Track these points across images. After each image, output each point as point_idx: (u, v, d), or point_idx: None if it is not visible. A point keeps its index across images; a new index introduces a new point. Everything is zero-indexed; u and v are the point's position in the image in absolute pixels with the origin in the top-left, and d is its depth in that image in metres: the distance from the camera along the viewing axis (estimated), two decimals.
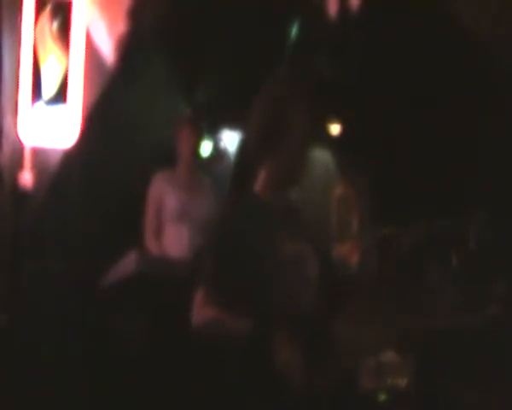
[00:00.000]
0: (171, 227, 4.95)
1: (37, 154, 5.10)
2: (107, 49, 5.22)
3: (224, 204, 3.59)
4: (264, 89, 2.86)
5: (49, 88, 5.07)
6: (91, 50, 5.22)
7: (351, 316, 2.89)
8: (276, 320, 2.61)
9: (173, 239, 4.93)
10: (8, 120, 4.98)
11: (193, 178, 5.09)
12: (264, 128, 2.80)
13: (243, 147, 5.20)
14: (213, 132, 5.92)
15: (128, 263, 4.43)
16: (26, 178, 5.04)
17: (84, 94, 5.18)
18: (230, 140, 6.01)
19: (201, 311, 2.70)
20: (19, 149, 5.04)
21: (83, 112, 5.19)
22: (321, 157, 6.26)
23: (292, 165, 2.81)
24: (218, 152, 5.82)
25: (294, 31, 4.88)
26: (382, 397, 3.87)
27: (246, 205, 2.84)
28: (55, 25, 5.07)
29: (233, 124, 5.84)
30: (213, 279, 2.72)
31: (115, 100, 5.24)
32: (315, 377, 2.62)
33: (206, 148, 5.67)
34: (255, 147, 2.85)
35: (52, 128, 5.12)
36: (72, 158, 5.07)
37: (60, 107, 5.11)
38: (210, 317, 2.68)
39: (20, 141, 5.05)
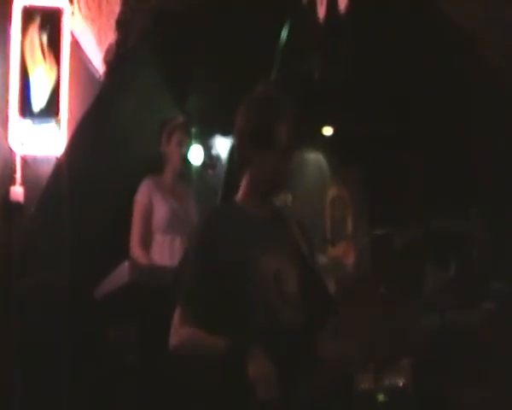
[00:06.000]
0: (162, 237, 4.89)
1: (29, 166, 5.06)
2: (97, 60, 5.21)
3: (201, 216, 3.52)
4: (248, 97, 2.83)
5: (39, 100, 5.04)
6: (81, 62, 5.20)
7: (336, 328, 2.82)
8: (252, 336, 2.55)
9: (164, 249, 4.87)
10: None
11: (178, 186, 5.06)
12: (247, 135, 2.77)
13: (233, 154, 5.18)
14: (206, 140, 5.91)
15: (121, 273, 4.38)
16: (18, 191, 4.99)
17: (74, 105, 5.15)
18: (223, 147, 6.01)
19: (178, 332, 2.64)
20: (10, 163, 4.99)
21: (73, 123, 5.15)
22: (314, 159, 6.26)
23: (274, 174, 2.76)
24: (210, 159, 5.79)
25: (284, 34, 4.88)
26: (380, 397, 3.83)
27: (224, 216, 2.76)
28: (44, 36, 5.05)
29: (226, 131, 5.83)
30: (189, 298, 2.66)
31: (106, 111, 5.23)
32: (295, 392, 2.57)
33: (198, 155, 5.64)
34: (238, 154, 2.82)
35: (43, 140, 5.07)
36: (62, 169, 5.03)
37: (50, 119, 5.07)
38: (186, 338, 2.63)
39: (10, 154, 5.01)
